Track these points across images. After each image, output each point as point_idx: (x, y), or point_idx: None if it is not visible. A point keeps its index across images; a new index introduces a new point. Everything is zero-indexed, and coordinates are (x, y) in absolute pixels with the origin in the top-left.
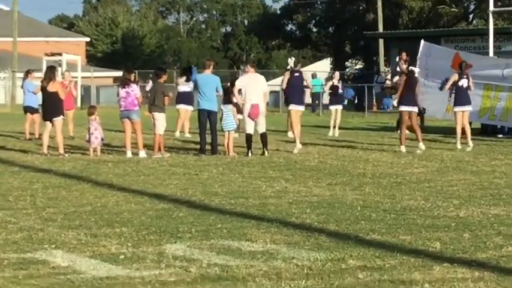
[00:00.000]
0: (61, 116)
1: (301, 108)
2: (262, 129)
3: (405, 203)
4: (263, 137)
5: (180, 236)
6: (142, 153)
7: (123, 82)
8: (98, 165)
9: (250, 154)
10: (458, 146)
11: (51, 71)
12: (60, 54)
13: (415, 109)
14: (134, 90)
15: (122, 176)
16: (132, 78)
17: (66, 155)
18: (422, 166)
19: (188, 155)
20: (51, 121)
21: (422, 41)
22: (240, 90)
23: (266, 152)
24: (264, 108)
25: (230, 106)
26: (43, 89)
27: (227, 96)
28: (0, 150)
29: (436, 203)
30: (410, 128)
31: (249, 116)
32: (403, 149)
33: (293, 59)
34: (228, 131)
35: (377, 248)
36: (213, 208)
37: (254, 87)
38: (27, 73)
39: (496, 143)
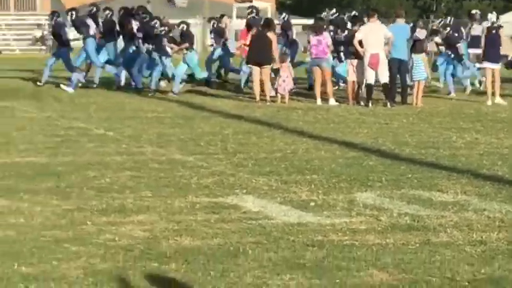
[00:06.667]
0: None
1: (496, 66)
2: (383, 79)
3: None
4: (384, 87)
5: (371, 184)
6: (332, 101)
7: (316, 30)
8: (287, 112)
9: (370, 105)
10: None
11: None
12: (250, 1)
13: None
14: (325, 38)
15: (311, 124)
16: (325, 26)
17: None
18: None
19: (377, 105)
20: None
21: None
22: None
23: (389, 104)
24: (385, 57)
25: (421, 56)
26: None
27: (419, 46)
28: (192, 95)
29: None
30: None
31: (369, 65)
32: None
33: (494, 14)
34: (419, 80)
35: None
36: (404, 158)
37: (373, 36)
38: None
39: None
